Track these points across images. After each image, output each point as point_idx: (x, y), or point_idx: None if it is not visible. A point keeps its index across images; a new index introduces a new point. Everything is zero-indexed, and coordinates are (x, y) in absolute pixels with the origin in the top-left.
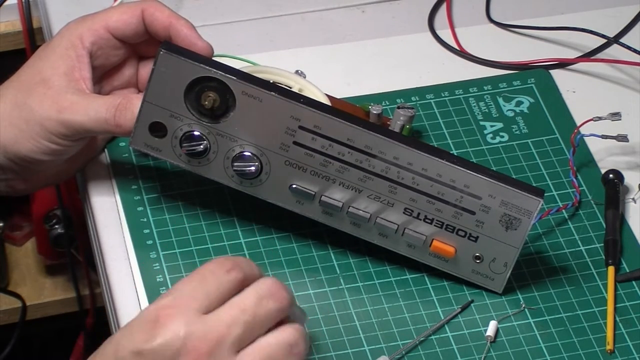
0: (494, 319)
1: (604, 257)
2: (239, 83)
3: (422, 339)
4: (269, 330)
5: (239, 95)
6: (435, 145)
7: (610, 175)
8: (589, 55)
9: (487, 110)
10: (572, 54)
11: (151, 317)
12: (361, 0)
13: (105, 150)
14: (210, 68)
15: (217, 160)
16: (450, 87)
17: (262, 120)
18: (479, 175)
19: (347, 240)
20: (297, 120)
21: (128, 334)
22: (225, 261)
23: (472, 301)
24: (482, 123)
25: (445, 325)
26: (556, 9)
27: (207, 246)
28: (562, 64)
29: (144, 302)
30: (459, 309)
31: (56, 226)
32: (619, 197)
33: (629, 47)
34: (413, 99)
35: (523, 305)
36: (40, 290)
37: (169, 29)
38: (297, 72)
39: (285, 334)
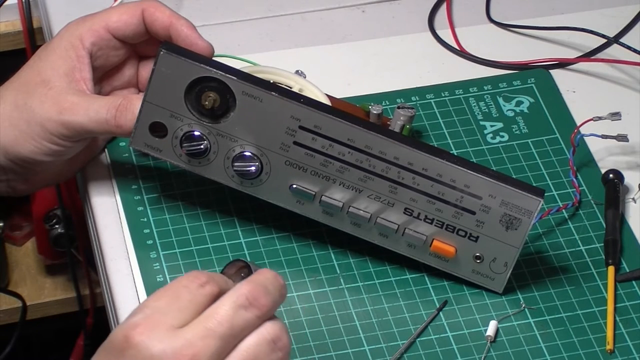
0: (494, 319)
1: (604, 257)
2: (239, 83)
3: (404, 341)
4: None
5: (239, 95)
6: (435, 145)
7: (610, 175)
8: (589, 55)
9: (487, 110)
10: (572, 54)
11: (119, 339)
12: (361, 0)
13: (105, 150)
14: (210, 68)
15: (217, 160)
16: (450, 87)
17: (262, 120)
18: (479, 175)
19: (347, 240)
20: (297, 120)
21: (103, 354)
22: (200, 275)
23: (446, 302)
24: (482, 123)
25: (446, 325)
26: (556, 9)
27: (207, 246)
28: (562, 64)
29: None
30: (436, 311)
31: (56, 226)
32: (619, 197)
33: (629, 47)
34: (413, 99)
35: (523, 305)
36: (40, 290)
37: (170, 29)
38: (297, 72)
39: (264, 330)
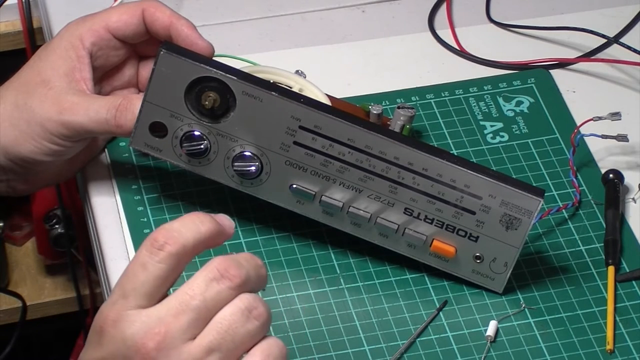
0: (494, 319)
1: (604, 257)
2: (239, 83)
3: (404, 341)
4: None
5: (240, 95)
6: (435, 145)
7: (610, 175)
8: (589, 55)
9: (487, 110)
10: (572, 54)
11: (97, 327)
12: (361, 0)
13: (105, 150)
14: (210, 68)
15: (217, 160)
16: (450, 87)
17: (262, 120)
18: (479, 175)
19: (347, 240)
20: (298, 120)
21: (86, 348)
22: (157, 236)
23: (446, 302)
24: (482, 123)
25: (446, 325)
26: (556, 9)
27: None
28: (562, 64)
29: None
30: (436, 311)
31: (56, 226)
32: (619, 197)
33: (629, 47)
34: (413, 99)
35: (523, 305)
36: (40, 290)
37: (170, 29)
38: (297, 72)
39: (238, 301)
